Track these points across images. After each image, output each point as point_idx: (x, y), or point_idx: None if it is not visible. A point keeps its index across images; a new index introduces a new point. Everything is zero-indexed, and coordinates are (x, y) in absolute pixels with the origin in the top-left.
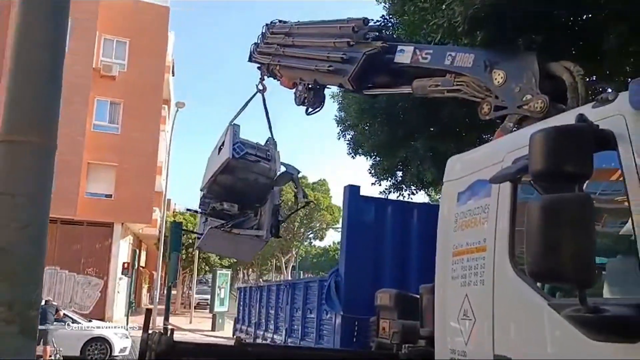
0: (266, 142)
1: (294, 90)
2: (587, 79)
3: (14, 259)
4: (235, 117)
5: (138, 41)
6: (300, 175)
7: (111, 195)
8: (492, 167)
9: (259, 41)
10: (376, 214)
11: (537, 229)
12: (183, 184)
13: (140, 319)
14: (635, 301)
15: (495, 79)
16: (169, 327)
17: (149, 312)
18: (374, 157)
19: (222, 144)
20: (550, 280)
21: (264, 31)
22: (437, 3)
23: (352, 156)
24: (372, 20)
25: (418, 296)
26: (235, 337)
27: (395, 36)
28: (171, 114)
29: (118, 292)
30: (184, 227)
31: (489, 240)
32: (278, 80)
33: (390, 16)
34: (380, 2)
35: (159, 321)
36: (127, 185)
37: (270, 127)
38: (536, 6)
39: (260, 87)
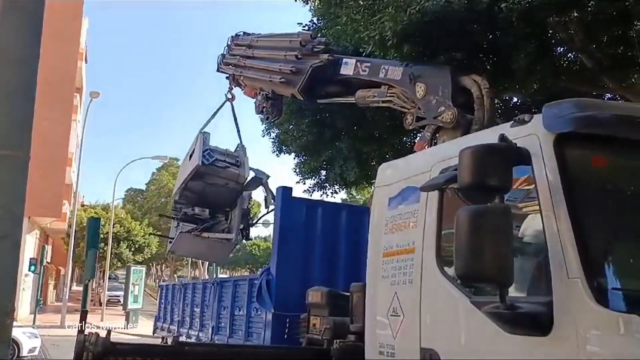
0: (236, 148)
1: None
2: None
3: None
4: (205, 125)
5: (49, 26)
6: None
7: None
8: (421, 175)
9: (225, 52)
10: (307, 215)
11: (464, 235)
12: (95, 176)
13: (47, 317)
14: (545, 299)
15: (418, 91)
16: (87, 326)
17: (84, 313)
18: (300, 156)
19: (193, 152)
20: (476, 281)
21: (229, 43)
22: (369, 16)
23: (277, 154)
24: (302, 24)
25: (348, 294)
26: (173, 337)
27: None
28: (84, 103)
29: (23, 289)
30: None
31: (417, 243)
32: (242, 89)
33: (319, 20)
34: (306, 4)
35: (69, 319)
36: (35, 177)
37: (239, 134)
38: (456, 25)
39: (229, 96)
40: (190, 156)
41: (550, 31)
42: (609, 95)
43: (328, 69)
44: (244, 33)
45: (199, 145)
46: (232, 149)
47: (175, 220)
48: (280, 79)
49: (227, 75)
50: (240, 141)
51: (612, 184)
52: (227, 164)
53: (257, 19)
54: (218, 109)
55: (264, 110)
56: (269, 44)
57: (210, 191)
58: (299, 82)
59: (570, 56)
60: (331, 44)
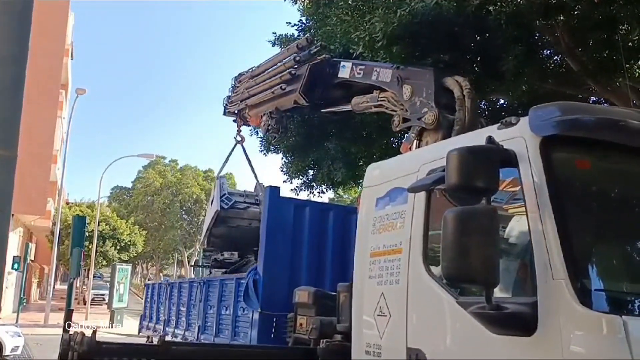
0: (255, 188)
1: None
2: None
3: None
4: (221, 170)
5: (35, 22)
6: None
7: None
8: (408, 176)
9: (229, 93)
10: (295, 215)
11: (451, 236)
12: (80, 174)
13: (31, 316)
14: (530, 300)
15: (405, 93)
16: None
17: (69, 312)
18: (288, 156)
19: (213, 198)
20: (462, 281)
21: (233, 83)
22: (359, 17)
23: (264, 154)
24: (290, 23)
25: (335, 294)
26: (160, 336)
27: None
28: (69, 100)
29: (6, 287)
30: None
31: (405, 244)
32: (248, 124)
33: (307, 20)
34: (295, 4)
35: (53, 318)
36: (20, 174)
37: (254, 173)
38: (446, 27)
39: (239, 138)
40: (212, 203)
41: (537, 34)
42: (593, 98)
43: (326, 70)
44: (245, 71)
45: (216, 191)
46: (261, 189)
47: (207, 269)
48: (281, 87)
49: (234, 118)
50: (257, 180)
51: (597, 186)
52: (248, 204)
53: (246, 17)
54: (230, 153)
55: (270, 128)
56: (269, 64)
57: (235, 233)
58: (299, 85)
59: (556, 59)
60: (328, 47)
